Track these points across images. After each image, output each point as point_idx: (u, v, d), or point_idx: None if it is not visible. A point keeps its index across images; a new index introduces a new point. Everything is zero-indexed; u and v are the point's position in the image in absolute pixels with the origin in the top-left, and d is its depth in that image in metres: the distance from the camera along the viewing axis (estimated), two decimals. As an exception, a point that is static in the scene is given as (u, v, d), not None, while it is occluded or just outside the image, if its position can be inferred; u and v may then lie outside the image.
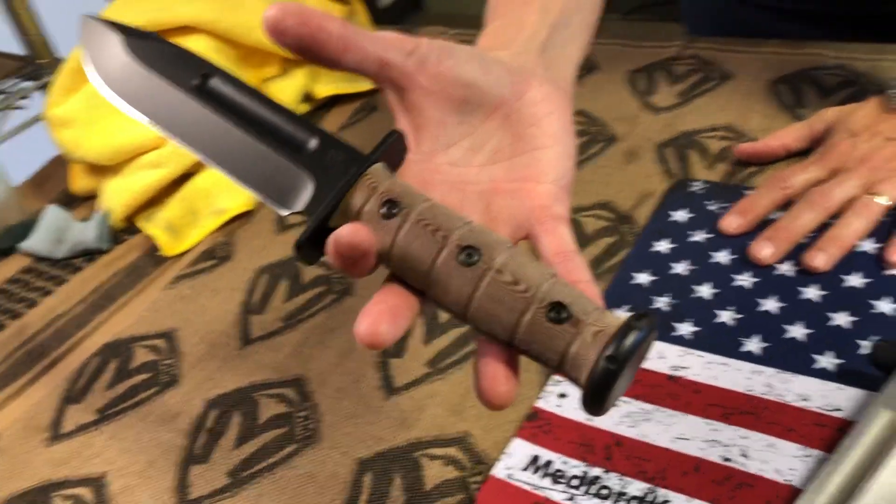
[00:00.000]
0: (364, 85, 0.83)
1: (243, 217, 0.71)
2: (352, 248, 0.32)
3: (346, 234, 0.32)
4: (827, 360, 0.47)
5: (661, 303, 0.53)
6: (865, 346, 0.47)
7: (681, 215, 0.59)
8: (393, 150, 0.37)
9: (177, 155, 0.70)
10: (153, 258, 0.70)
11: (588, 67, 0.78)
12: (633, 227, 0.59)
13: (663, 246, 0.57)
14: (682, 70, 0.74)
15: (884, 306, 0.49)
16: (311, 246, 0.35)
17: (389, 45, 0.37)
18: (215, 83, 0.39)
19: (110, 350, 0.62)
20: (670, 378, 0.48)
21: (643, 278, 0.55)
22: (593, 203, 0.62)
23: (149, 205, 0.72)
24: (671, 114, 0.69)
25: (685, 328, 0.51)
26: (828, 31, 0.74)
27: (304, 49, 0.36)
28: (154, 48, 0.40)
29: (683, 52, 0.76)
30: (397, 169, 0.37)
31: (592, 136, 0.69)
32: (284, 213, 0.36)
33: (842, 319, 0.49)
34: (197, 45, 0.73)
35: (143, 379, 0.58)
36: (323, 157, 0.37)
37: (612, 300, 0.54)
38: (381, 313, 0.32)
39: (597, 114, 0.71)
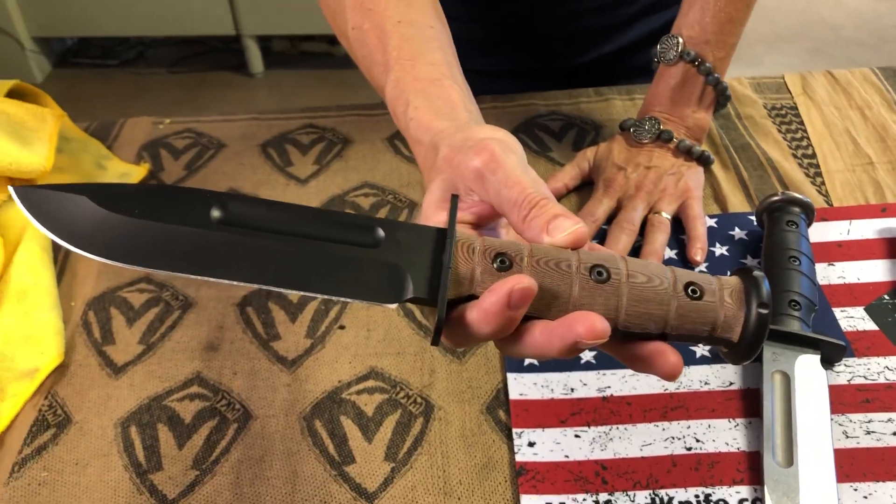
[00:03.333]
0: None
1: (57, 371, 0.60)
2: (525, 294, 0.35)
3: (517, 283, 0.35)
4: (701, 349, 0.60)
5: (555, 339, 0.61)
6: (719, 330, 0.60)
7: (519, 260, 0.67)
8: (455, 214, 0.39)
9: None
10: (-54, 452, 0.56)
11: (344, 140, 0.81)
12: (484, 279, 0.66)
13: (523, 290, 0.65)
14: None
15: (709, 296, 0.63)
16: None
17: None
18: (237, 209, 0.37)
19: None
20: (604, 399, 0.57)
21: (527, 322, 0.62)
22: (439, 266, 0.67)
23: None
24: (449, 171, 0.76)
25: (586, 354, 0.60)
26: (527, 86, 0.88)
27: None
28: (130, 196, 0.36)
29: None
30: None
31: (393, 205, 0.73)
32: (391, 306, 0.37)
33: (690, 314, 0.62)
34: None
35: None
36: (396, 242, 0.38)
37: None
38: (583, 315, 0.35)
39: (382, 183, 0.76)
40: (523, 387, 0.58)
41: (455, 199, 0.40)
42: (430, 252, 0.37)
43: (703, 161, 0.72)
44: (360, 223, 0.38)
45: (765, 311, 0.37)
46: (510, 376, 0.58)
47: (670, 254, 0.67)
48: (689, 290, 0.37)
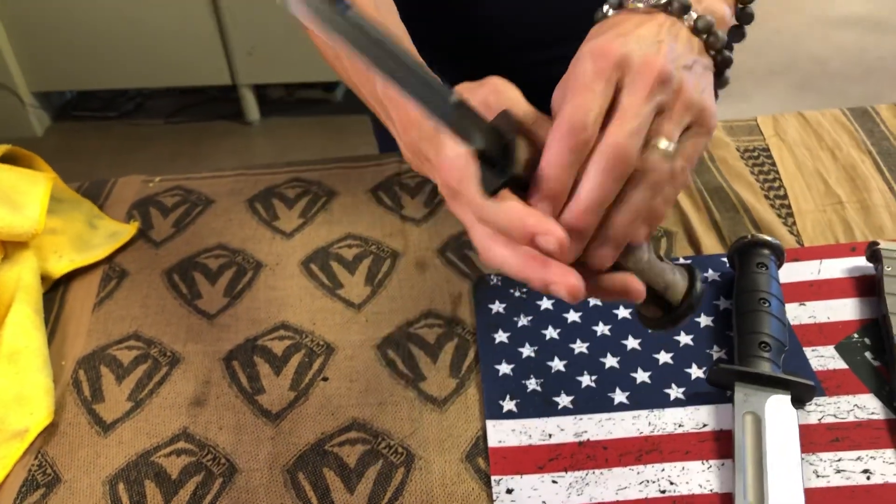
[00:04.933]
0: (97, 254, 0.76)
1: (47, 431, 0.62)
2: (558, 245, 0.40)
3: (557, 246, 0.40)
4: (675, 392, 0.61)
5: (533, 384, 0.62)
6: (693, 373, 0.62)
7: (498, 307, 0.69)
8: None
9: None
10: (-62, 515, 0.57)
11: (329, 192, 0.84)
12: (464, 326, 0.68)
13: (502, 336, 0.66)
14: (413, 182, 0.84)
15: (683, 339, 0.65)
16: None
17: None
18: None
19: None
20: (580, 444, 0.58)
21: (505, 368, 0.64)
22: (420, 314, 0.69)
23: None
24: (429, 223, 0.78)
25: (563, 399, 0.61)
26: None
27: None
28: None
29: (402, 168, 0.86)
30: None
31: (376, 255, 0.75)
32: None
33: (665, 357, 0.63)
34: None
35: None
36: (464, 113, 0.41)
37: (492, 394, 0.62)
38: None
39: (366, 234, 0.78)
40: (502, 434, 0.59)
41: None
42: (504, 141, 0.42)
43: (723, 62, 0.49)
44: (435, 80, 0.40)
45: (702, 288, 0.48)
46: (489, 423, 0.60)
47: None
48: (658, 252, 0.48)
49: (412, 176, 0.84)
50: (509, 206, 0.41)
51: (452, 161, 0.44)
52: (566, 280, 0.41)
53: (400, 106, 0.52)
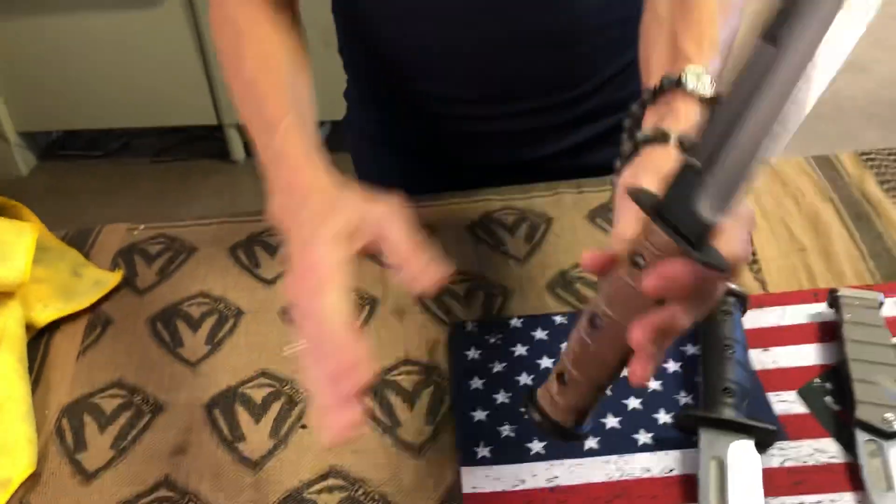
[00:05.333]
0: (82, 303, 0.78)
1: (30, 480, 0.63)
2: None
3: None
4: (644, 437, 0.63)
5: (507, 430, 0.64)
6: (660, 418, 0.64)
7: (474, 353, 0.71)
8: None
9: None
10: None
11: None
12: (441, 373, 0.69)
13: (477, 383, 0.68)
14: (392, 228, 0.86)
15: (652, 384, 0.67)
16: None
17: None
18: None
19: None
20: (551, 490, 0.60)
21: (480, 415, 0.65)
22: (396, 362, 0.71)
23: None
24: (408, 268, 0.80)
25: (535, 445, 0.63)
26: (482, 180, 0.92)
27: None
28: None
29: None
30: None
31: (355, 302, 0.77)
32: None
33: (634, 403, 0.65)
34: None
35: None
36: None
37: (467, 441, 0.63)
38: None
39: (345, 281, 0.80)
40: (476, 480, 0.61)
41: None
42: None
43: None
44: None
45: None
46: (463, 470, 0.61)
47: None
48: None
49: (391, 224, 0.86)
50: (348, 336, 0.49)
51: (330, 260, 0.51)
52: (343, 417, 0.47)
53: (291, 167, 0.57)
